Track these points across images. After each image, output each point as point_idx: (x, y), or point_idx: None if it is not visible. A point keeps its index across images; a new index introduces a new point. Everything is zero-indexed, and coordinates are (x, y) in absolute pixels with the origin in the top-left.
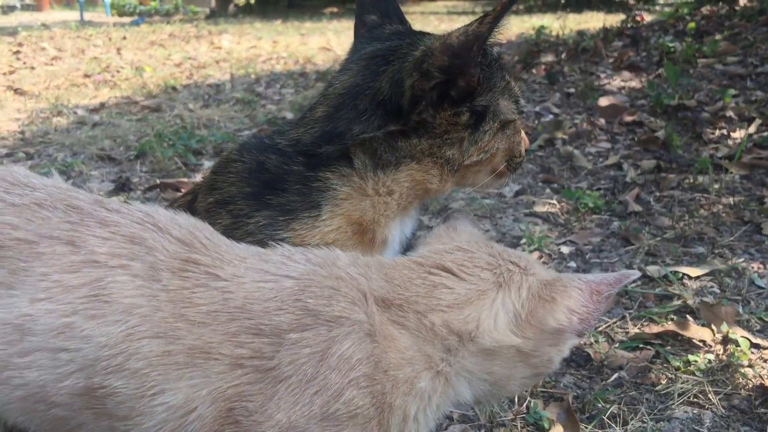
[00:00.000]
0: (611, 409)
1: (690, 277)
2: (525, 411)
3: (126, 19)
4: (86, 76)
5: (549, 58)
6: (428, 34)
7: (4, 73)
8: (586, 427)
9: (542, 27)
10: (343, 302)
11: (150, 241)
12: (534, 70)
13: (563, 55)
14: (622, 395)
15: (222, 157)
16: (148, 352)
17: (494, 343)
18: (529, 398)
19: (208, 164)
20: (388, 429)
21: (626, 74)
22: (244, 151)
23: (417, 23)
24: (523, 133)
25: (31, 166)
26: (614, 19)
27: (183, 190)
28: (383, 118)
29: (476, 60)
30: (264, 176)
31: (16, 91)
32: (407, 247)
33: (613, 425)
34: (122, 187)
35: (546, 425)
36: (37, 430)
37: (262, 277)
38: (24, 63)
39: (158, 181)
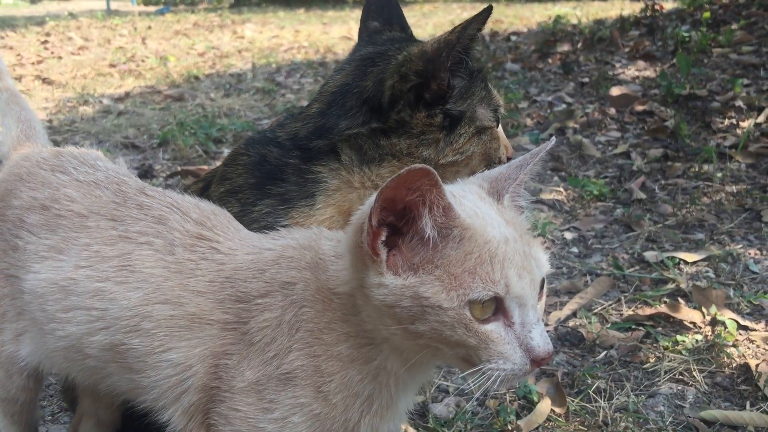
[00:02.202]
0: (598, 384)
1: (686, 263)
2: (516, 385)
3: (151, 8)
4: (112, 65)
5: (565, 47)
6: (418, 41)
7: (33, 63)
8: (573, 401)
9: (559, 17)
10: (295, 269)
11: (172, 221)
12: (550, 60)
13: (579, 45)
14: (611, 372)
15: (232, 151)
16: (157, 315)
17: None
18: None
19: (227, 152)
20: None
21: (641, 64)
22: (249, 145)
23: (440, 11)
24: (506, 141)
25: None
26: (636, 7)
27: None
28: (366, 115)
29: (446, 65)
30: (266, 168)
31: (44, 80)
32: None
33: (599, 399)
34: (145, 173)
35: (535, 398)
36: (76, 377)
37: (250, 250)
38: (52, 53)
39: (180, 168)
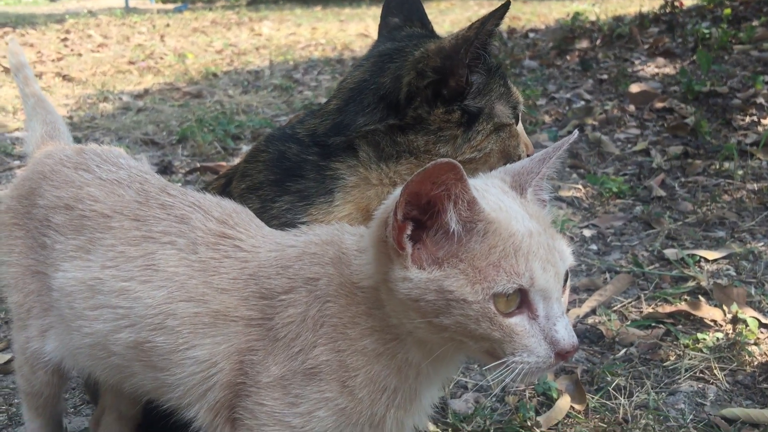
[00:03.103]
0: (618, 381)
1: (707, 260)
2: (536, 382)
3: (170, 6)
4: (131, 62)
5: (584, 44)
6: (438, 37)
7: (53, 60)
8: (593, 398)
9: (577, 13)
10: (318, 264)
11: (194, 221)
12: (568, 57)
13: (598, 42)
14: (631, 369)
15: (252, 147)
16: (182, 312)
17: None
18: None
19: (246, 149)
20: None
21: (661, 60)
22: (269, 142)
23: (456, 8)
24: (526, 138)
25: None
26: (655, 3)
27: None
28: (384, 111)
29: (464, 62)
30: (285, 164)
31: (64, 77)
32: None
33: (619, 396)
34: (165, 170)
35: (554, 395)
36: (100, 375)
37: (273, 247)
38: (71, 50)
39: (198, 165)
